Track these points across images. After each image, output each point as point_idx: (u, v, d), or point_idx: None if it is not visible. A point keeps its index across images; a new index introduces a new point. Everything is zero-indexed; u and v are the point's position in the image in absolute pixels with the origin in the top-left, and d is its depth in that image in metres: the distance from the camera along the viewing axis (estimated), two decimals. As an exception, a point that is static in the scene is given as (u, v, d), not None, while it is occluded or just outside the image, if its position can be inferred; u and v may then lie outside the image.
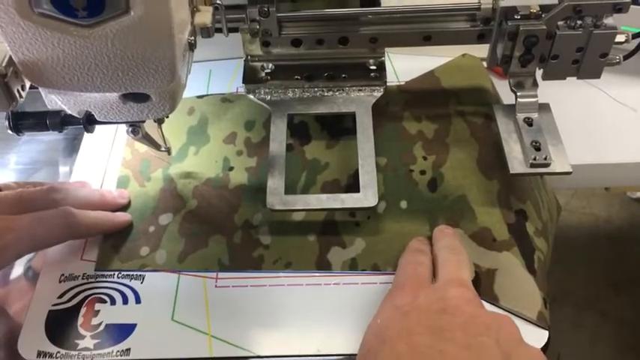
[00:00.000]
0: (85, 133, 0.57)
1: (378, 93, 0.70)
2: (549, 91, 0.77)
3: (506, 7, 0.61)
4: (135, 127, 0.60)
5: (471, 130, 0.69)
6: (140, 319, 0.57)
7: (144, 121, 0.59)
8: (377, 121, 0.70)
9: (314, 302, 0.58)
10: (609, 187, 1.07)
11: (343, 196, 0.62)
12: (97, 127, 0.55)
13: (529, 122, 0.64)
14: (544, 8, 0.60)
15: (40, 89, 0.51)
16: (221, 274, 0.60)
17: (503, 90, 0.75)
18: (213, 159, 0.69)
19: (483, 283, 0.57)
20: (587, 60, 0.62)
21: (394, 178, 0.66)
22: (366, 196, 0.61)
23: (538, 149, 0.62)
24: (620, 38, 0.61)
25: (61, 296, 0.59)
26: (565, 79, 0.65)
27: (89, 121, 0.54)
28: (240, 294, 0.59)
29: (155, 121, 0.60)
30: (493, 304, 0.56)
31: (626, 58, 0.65)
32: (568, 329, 1.33)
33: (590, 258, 1.47)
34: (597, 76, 0.64)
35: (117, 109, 0.54)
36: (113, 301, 0.58)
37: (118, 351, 0.55)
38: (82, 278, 0.60)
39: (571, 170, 0.61)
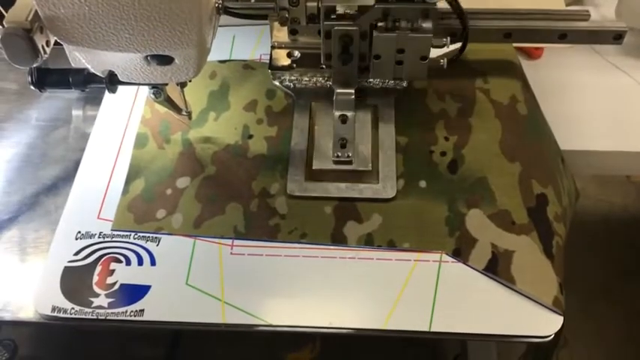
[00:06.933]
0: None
1: (401, 86, 0.70)
2: (576, 75, 0.76)
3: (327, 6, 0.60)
4: (157, 90, 0.59)
5: (496, 110, 0.68)
6: (155, 281, 0.57)
7: (166, 84, 0.58)
8: (400, 98, 0.69)
9: (328, 275, 0.58)
10: (630, 175, 1.05)
11: (362, 186, 0.63)
12: (119, 87, 0.55)
13: (343, 119, 0.66)
14: (361, 9, 0.60)
15: (65, 46, 0.50)
16: (237, 242, 0.60)
17: (532, 70, 0.74)
18: (233, 126, 0.68)
19: (501, 264, 0.57)
20: (409, 62, 0.63)
21: (414, 158, 0.65)
22: (385, 188, 0.62)
23: (344, 146, 0.64)
24: (438, 43, 0.63)
25: (76, 253, 0.59)
26: (392, 78, 0.66)
27: (112, 81, 0.53)
28: (255, 262, 0.59)
29: (178, 84, 0.60)
30: (509, 287, 0.56)
31: (450, 62, 0.67)
32: (576, 316, 1.33)
33: (603, 245, 1.45)
34: (423, 77, 0.65)
35: (140, 70, 0.53)
36: (128, 262, 0.59)
37: (132, 311, 0.55)
38: (99, 237, 0.60)
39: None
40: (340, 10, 0.60)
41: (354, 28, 0.60)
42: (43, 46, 0.49)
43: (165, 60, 0.52)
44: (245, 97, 0.71)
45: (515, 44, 0.74)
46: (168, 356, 1.05)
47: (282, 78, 0.71)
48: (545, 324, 0.54)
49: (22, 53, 0.48)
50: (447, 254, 0.58)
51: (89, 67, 0.53)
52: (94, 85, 0.56)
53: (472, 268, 0.58)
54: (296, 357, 1.07)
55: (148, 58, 0.51)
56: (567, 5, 0.79)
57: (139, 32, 0.47)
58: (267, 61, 0.71)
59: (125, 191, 0.64)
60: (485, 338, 0.55)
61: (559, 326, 0.54)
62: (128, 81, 0.55)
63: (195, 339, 1.06)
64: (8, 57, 0.48)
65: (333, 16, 0.61)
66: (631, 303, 1.34)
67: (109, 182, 0.65)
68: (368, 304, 0.56)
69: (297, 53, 0.71)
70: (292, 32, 0.66)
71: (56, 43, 0.50)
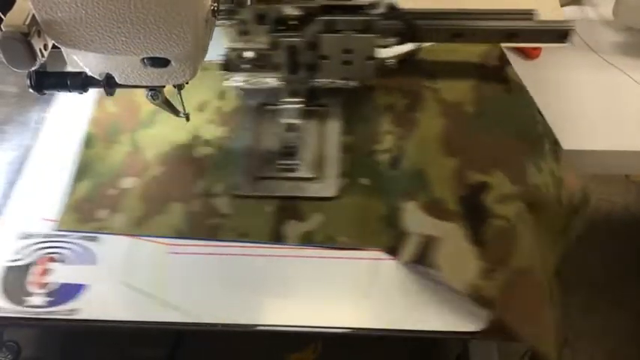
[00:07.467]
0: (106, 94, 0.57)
1: (350, 85, 0.69)
2: (574, 74, 0.76)
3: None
4: (155, 92, 0.60)
5: (442, 107, 0.68)
6: (92, 280, 0.57)
7: (164, 86, 0.59)
8: (349, 97, 0.69)
9: (267, 274, 0.58)
10: (629, 174, 1.04)
11: (304, 185, 0.63)
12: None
13: (290, 128, 0.67)
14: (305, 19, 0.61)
15: (62, 49, 0.51)
16: (177, 241, 0.60)
17: (530, 70, 0.74)
18: (183, 126, 0.68)
19: (430, 254, 0.57)
20: (356, 62, 0.63)
21: (358, 156, 0.66)
22: (327, 187, 0.63)
23: (289, 154, 0.65)
24: (384, 43, 0.64)
25: (17, 253, 0.60)
26: (340, 78, 0.67)
27: (109, 84, 0.54)
28: (194, 261, 0.59)
29: (174, 87, 0.60)
30: (443, 282, 0.56)
31: (400, 62, 0.67)
32: (579, 315, 1.32)
33: (605, 245, 1.45)
34: (371, 77, 0.65)
35: (137, 72, 0.53)
36: (68, 261, 0.59)
37: (68, 310, 0.56)
38: (41, 237, 0.61)
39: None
40: (287, 10, 0.61)
41: (300, 39, 0.61)
42: (40, 50, 0.50)
43: (161, 62, 0.52)
44: (196, 98, 0.71)
45: (505, 45, 0.74)
46: (169, 358, 1.05)
47: (234, 79, 0.70)
48: (475, 318, 0.55)
49: (20, 57, 0.48)
50: (384, 251, 0.59)
51: (87, 69, 0.53)
52: (92, 87, 0.56)
53: (405, 262, 0.58)
54: (298, 357, 1.07)
55: (145, 60, 0.52)
56: (562, 5, 0.79)
57: (135, 35, 0.48)
58: (221, 62, 0.70)
59: (71, 191, 0.64)
60: (411, 334, 0.55)
61: (485, 320, 0.54)
62: (126, 83, 0.55)
63: (196, 341, 1.06)
64: (7, 60, 0.48)
65: (280, 27, 0.61)
66: (633, 303, 1.33)
67: (55, 182, 0.65)
68: (307, 302, 0.56)
69: (249, 54, 0.70)
70: (242, 33, 0.66)
71: (54, 47, 0.51)
